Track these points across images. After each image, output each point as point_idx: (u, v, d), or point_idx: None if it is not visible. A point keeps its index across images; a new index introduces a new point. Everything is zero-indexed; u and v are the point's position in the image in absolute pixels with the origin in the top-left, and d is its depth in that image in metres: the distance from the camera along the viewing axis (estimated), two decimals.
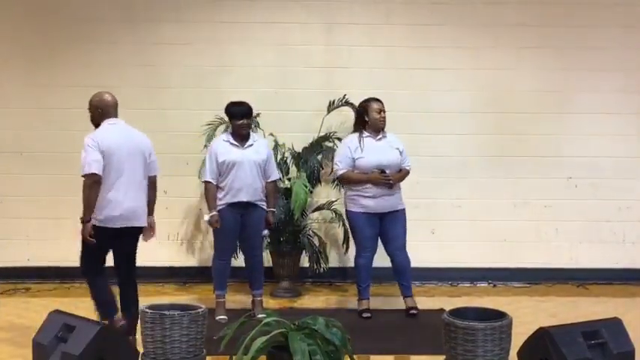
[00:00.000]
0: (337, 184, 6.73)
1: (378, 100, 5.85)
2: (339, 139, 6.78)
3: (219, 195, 5.61)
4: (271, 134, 6.72)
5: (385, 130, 5.87)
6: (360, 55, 7.02)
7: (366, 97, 5.92)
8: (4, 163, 6.94)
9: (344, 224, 6.68)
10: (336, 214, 6.72)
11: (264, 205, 5.70)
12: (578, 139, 7.10)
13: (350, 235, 6.66)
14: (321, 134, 6.77)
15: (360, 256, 5.86)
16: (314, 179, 6.63)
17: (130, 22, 6.97)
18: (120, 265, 5.25)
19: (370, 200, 5.72)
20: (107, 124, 5.08)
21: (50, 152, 6.94)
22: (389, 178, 5.68)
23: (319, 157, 6.72)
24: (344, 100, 6.70)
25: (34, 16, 6.92)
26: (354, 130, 5.90)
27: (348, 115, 6.78)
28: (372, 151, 5.75)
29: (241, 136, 5.64)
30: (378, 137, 5.82)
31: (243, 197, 5.57)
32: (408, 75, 7.01)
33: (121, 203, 4.99)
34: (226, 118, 6.50)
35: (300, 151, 6.73)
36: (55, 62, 6.94)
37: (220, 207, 5.59)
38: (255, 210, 5.65)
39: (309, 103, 6.89)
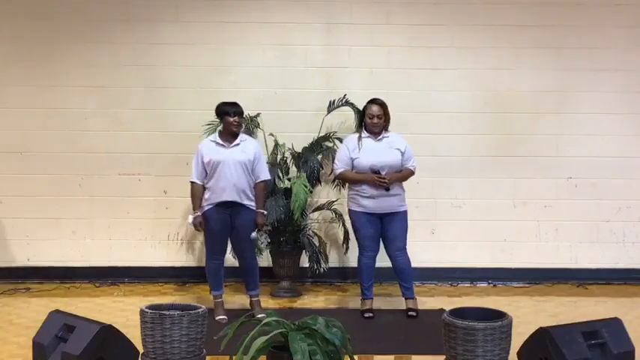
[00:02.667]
0: (337, 184, 6.73)
1: (376, 102, 5.80)
2: (339, 139, 6.78)
3: (206, 195, 5.62)
4: (271, 134, 6.72)
5: (389, 130, 5.84)
6: (360, 55, 7.02)
7: (370, 98, 5.89)
8: (4, 163, 6.94)
9: (344, 224, 6.68)
10: (336, 214, 6.71)
11: (252, 205, 5.68)
12: (578, 139, 7.09)
13: (350, 235, 6.70)
14: (321, 134, 6.77)
15: (361, 256, 5.86)
16: (314, 179, 6.63)
17: (130, 23, 6.96)
18: None
19: (369, 200, 5.72)
20: None
21: (50, 152, 6.94)
22: (383, 180, 5.64)
23: (319, 157, 6.72)
24: (344, 100, 6.70)
25: (34, 16, 6.91)
26: (357, 130, 5.89)
27: (348, 115, 6.78)
28: (368, 152, 5.74)
29: (231, 134, 5.63)
30: (379, 138, 5.80)
31: (228, 197, 5.55)
32: (408, 75, 7.00)
33: None
34: None
35: (300, 151, 6.73)
36: (54, 62, 6.94)
37: (207, 207, 5.59)
38: (242, 210, 5.62)
39: (309, 103, 6.89)
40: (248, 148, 5.68)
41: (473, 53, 7.05)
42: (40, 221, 6.95)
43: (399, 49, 7.02)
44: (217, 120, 6.53)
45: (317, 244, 6.69)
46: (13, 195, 6.95)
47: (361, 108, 6.64)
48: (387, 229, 5.79)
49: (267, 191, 6.16)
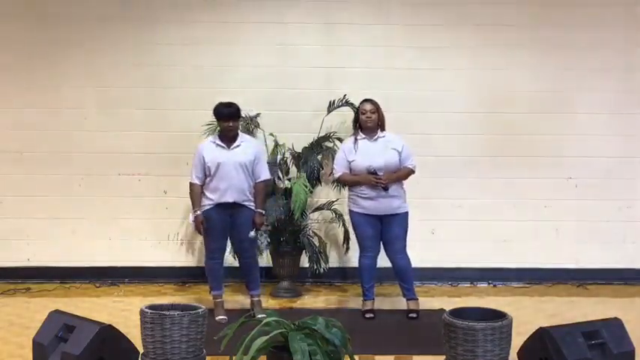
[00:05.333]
0: (337, 185, 6.73)
1: (368, 100, 5.82)
2: (339, 139, 6.78)
3: (206, 195, 5.62)
4: (271, 134, 6.72)
5: (385, 130, 5.84)
6: (360, 55, 7.02)
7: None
8: (4, 163, 6.95)
9: (344, 224, 6.69)
10: (336, 214, 6.71)
11: (252, 205, 5.68)
12: (578, 139, 7.09)
13: (350, 236, 6.70)
14: (321, 134, 6.77)
15: (362, 256, 5.85)
16: (314, 179, 6.63)
17: (130, 22, 6.97)
18: None
19: (368, 201, 5.71)
20: None
21: (50, 152, 6.95)
22: (380, 180, 5.64)
23: (319, 157, 6.72)
24: (344, 100, 6.70)
25: (34, 16, 6.92)
26: (353, 133, 5.90)
27: (348, 115, 6.78)
28: (364, 153, 5.73)
29: (228, 138, 5.64)
30: (374, 138, 5.79)
31: (229, 198, 5.57)
32: (408, 75, 7.00)
33: None
34: None
35: (300, 151, 6.73)
36: (54, 62, 6.94)
37: (207, 207, 5.60)
38: (242, 211, 5.63)
39: (309, 103, 6.89)
40: (248, 149, 5.68)
41: (472, 53, 7.05)
42: (40, 221, 6.95)
43: (399, 49, 7.02)
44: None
45: (317, 244, 6.70)
46: (13, 195, 6.96)
47: None
48: (386, 230, 5.78)
49: (268, 191, 6.17)
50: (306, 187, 6.40)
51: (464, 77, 7.05)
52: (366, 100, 5.84)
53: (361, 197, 5.73)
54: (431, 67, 7.02)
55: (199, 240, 7.05)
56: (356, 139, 5.81)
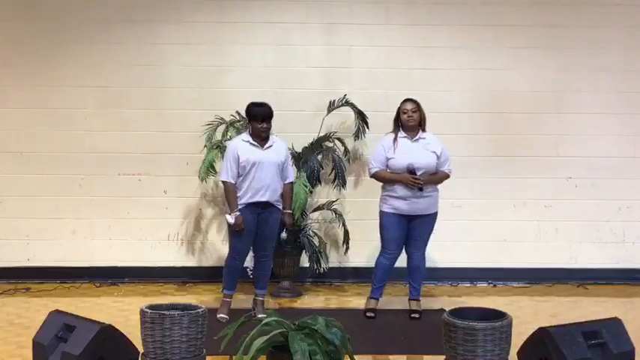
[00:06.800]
0: (337, 185, 6.73)
1: (409, 100, 5.80)
2: (339, 139, 6.79)
3: (238, 195, 5.60)
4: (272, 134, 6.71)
5: (426, 130, 5.82)
6: (360, 55, 7.02)
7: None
8: (4, 163, 6.94)
9: (344, 224, 6.69)
10: (336, 214, 6.72)
11: (280, 205, 5.71)
12: (578, 139, 7.10)
13: (350, 235, 6.70)
14: (321, 134, 6.77)
15: (381, 255, 5.85)
16: (314, 179, 6.63)
17: (130, 22, 6.96)
18: None
19: (400, 201, 5.68)
20: None
21: (50, 152, 6.94)
22: (418, 180, 5.62)
23: (319, 157, 6.72)
24: (344, 100, 6.70)
25: (35, 16, 6.91)
26: (392, 131, 5.87)
27: (348, 115, 6.79)
28: (404, 153, 5.69)
29: (261, 137, 5.63)
30: (415, 138, 5.75)
31: (263, 197, 5.57)
32: (408, 75, 7.00)
33: None
34: (227, 119, 6.55)
35: (300, 151, 6.73)
36: (55, 62, 6.93)
37: (240, 207, 5.58)
38: (272, 210, 5.66)
39: (309, 103, 6.89)
40: (280, 150, 5.71)
41: (472, 53, 7.05)
42: (40, 221, 6.95)
43: (399, 49, 7.02)
44: (218, 120, 6.58)
45: (317, 244, 6.70)
46: (13, 195, 6.95)
47: (361, 108, 6.69)
48: (413, 228, 5.77)
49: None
50: (306, 187, 6.40)
51: (464, 77, 7.05)
52: (407, 100, 5.81)
53: (394, 197, 5.70)
54: (431, 67, 7.02)
55: (199, 240, 7.05)
56: (396, 137, 5.77)
